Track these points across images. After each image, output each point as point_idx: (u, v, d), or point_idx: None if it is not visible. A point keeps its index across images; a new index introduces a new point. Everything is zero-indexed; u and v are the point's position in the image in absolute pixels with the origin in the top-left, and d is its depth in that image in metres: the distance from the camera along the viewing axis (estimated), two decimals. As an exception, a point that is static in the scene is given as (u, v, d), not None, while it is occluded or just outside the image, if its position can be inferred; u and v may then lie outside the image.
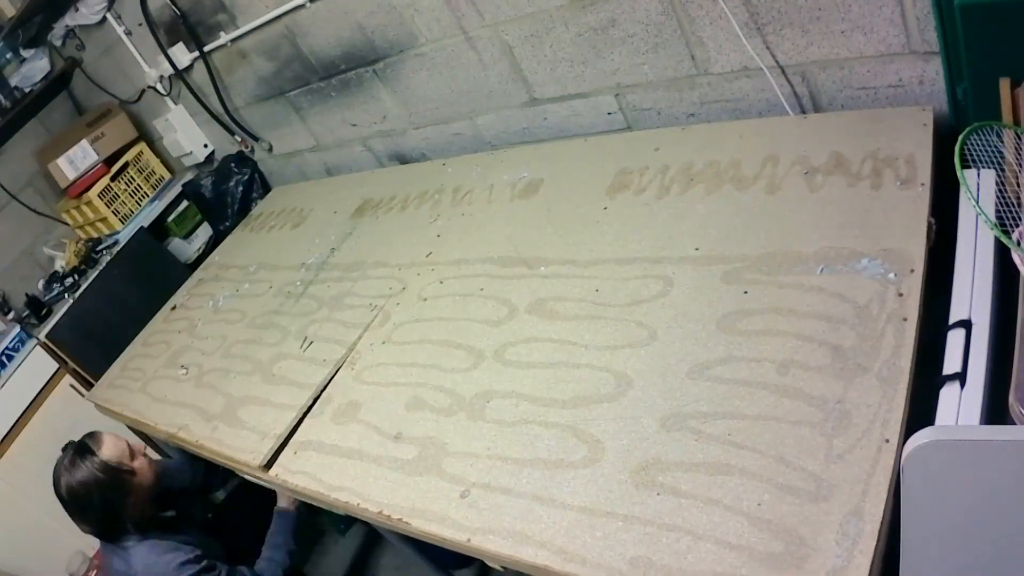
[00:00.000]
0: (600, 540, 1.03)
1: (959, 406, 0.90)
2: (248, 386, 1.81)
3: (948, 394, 0.92)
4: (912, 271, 1.08)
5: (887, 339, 1.03)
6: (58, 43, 3.02)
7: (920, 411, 0.96)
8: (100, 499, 1.64)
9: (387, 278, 1.87)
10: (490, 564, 1.21)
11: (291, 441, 1.57)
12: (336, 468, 1.43)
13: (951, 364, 0.95)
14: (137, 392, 2.09)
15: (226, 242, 2.68)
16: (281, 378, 1.77)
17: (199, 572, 1.68)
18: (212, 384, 1.91)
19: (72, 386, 2.68)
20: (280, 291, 2.14)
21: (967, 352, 0.94)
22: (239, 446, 1.63)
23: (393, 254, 1.95)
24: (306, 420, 1.59)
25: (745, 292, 1.23)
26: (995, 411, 0.89)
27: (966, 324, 0.97)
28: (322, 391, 1.64)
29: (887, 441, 0.93)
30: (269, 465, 1.55)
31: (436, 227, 1.93)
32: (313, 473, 1.45)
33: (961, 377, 0.92)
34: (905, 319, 1.03)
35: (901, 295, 1.06)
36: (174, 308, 2.45)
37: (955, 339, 0.97)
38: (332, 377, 1.66)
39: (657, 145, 1.70)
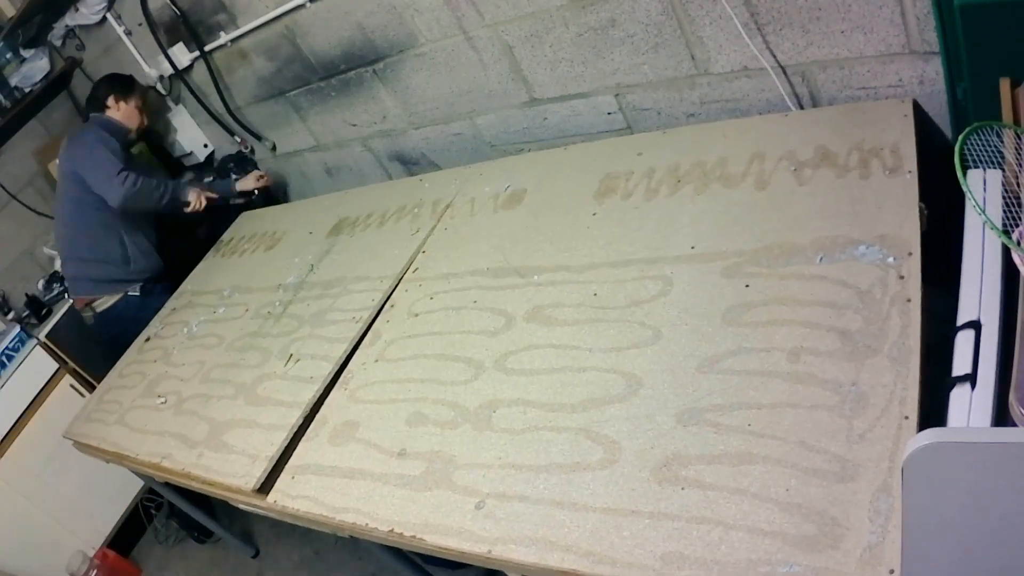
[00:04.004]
0: (628, 539, 1.02)
1: (970, 408, 0.90)
2: (232, 409, 1.75)
3: (958, 396, 0.92)
4: (910, 254, 1.12)
5: (893, 320, 1.05)
6: (58, 43, 3.00)
7: (927, 411, 0.96)
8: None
9: (370, 291, 1.84)
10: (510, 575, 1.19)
11: (287, 466, 1.51)
12: (339, 489, 1.38)
13: (961, 366, 0.95)
14: (114, 424, 1.99)
15: (197, 269, 2.60)
16: (267, 399, 1.71)
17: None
18: (193, 411, 1.84)
19: (72, 386, 2.68)
20: (258, 313, 2.08)
21: (977, 353, 0.94)
22: (229, 471, 1.57)
23: (375, 268, 1.92)
24: (301, 443, 1.54)
25: (747, 285, 1.25)
26: (1000, 412, 0.88)
27: (975, 325, 0.97)
28: (312, 409, 1.60)
29: (906, 418, 0.95)
30: (264, 489, 1.49)
31: (418, 240, 1.91)
32: (315, 496, 1.40)
33: (972, 379, 0.92)
34: (909, 300, 1.06)
35: (902, 277, 1.09)
36: (148, 340, 2.36)
37: (964, 340, 0.97)
38: (323, 396, 1.62)
39: (640, 149, 1.72)
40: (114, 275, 2.54)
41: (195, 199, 2.54)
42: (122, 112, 2.57)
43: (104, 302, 2.58)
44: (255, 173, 2.81)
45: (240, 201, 2.83)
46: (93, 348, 2.71)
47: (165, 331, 2.33)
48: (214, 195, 2.64)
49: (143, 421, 1.94)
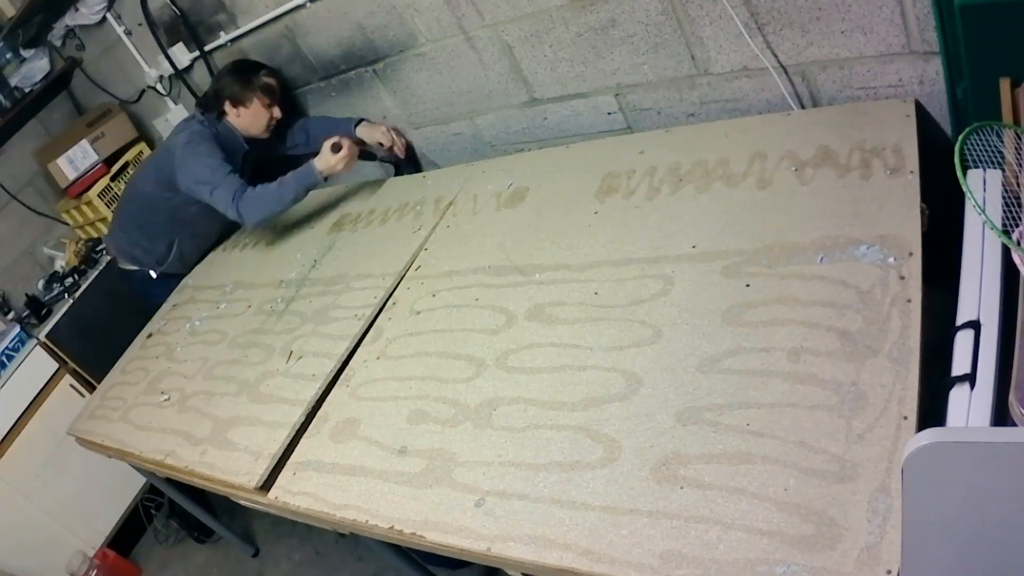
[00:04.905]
0: (627, 538, 1.02)
1: (969, 407, 0.90)
2: (235, 407, 1.76)
3: (958, 396, 0.92)
4: (911, 254, 1.12)
5: (894, 321, 1.05)
6: (58, 43, 3.00)
7: (927, 411, 0.96)
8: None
9: (372, 288, 1.85)
10: (510, 573, 1.20)
11: (288, 462, 1.52)
12: (339, 486, 1.39)
13: (960, 365, 0.95)
14: (118, 421, 2.00)
15: (199, 264, 2.61)
16: (270, 396, 1.72)
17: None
18: (196, 408, 1.85)
19: (72, 386, 2.71)
20: (260, 309, 2.09)
21: (976, 353, 0.94)
22: (232, 469, 1.58)
23: (377, 265, 1.93)
24: (303, 440, 1.55)
25: (747, 285, 1.25)
26: (999, 412, 0.89)
27: (975, 325, 0.97)
28: (315, 407, 1.61)
29: (905, 418, 0.95)
30: (266, 486, 1.50)
31: (420, 238, 1.92)
32: (315, 493, 1.41)
33: (971, 378, 0.92)
34: (909, 300, 1.06)
35: (903, 278, 1.09)
36: (150, 336, 2.37)
37: (964, 340, 0.97)
38: (325, 393, 1.63)
39: (642, 148, 1.72)
40: (142, 259, 2.54)
41: (331, 167, 2.09)
42: (243, 119, 2.25)
43: (124, 264, 2.60)
44: (381, 127, 2.30)
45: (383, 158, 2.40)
46: (93, 348, 2.72)
47: (168, 327, 2.34)
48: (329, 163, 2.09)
49: (147, 418, 1.95)
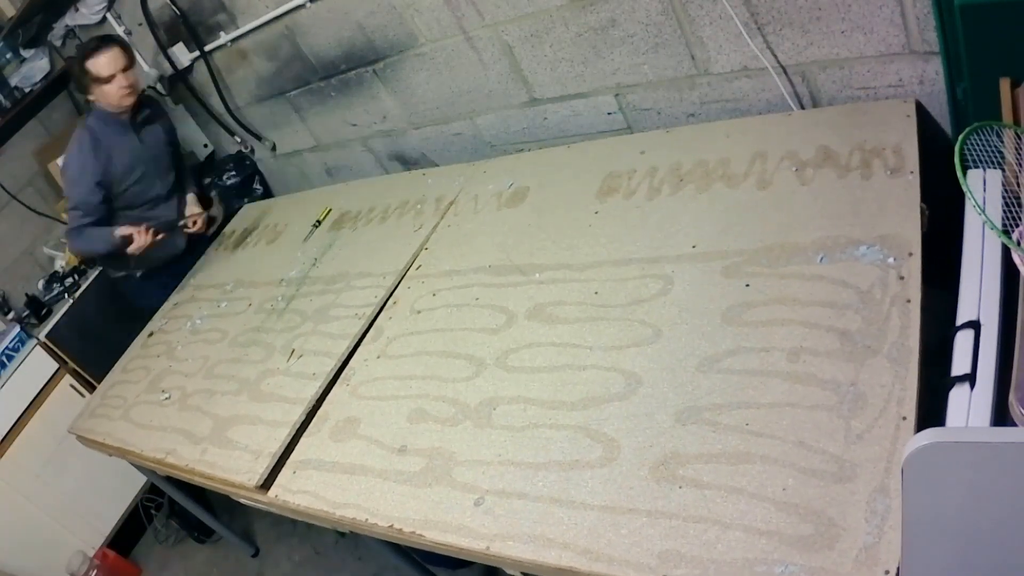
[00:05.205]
0: (625, 537, 1.02)
1: (969, 407, 0.90)
2: (236, 405, 1.76)
3: (958, 395, 0.92)
4: (911, 254, 1.12)
5: (893, 321, 1.05)
6: (58, 43, 3.01)
7: (926, 411, 0.96)
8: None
9: (373, 287, 1.85)
10: (509, 572, 1.20)
11: (288, 460, 1.52)
12: (339, 485, 1.39)
13: (960, 365, 0.95)
14: (119, 420, 2.01)
15: (200, 263, 2.61)
16: (270, 395, 1.72)
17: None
18: (197, 406, 1.85)
19: (72, 386, 2.71)
20: (261, 307, 2.09)
21: (976, 353, 0.94)
22: (232, 467, 1.58)
23: (377, 264, 1.93)
24: (303, 439, 1.55)
25: (747, 285, 1.25)
26: (999, 412, 0.89)
27: (975, 325, 0.97)
28: (315, 406, 1.61)
29: (904, 419, 0.95)
30: (267, 485, 1.50)
31: (421, 237, 1.92)
32: (315, 492, 1.41)
33: (971, 378, 0.92)
34: (909, 300, 1.06)
35: (902, 278, 1.09)
36: (151, 334, 2.37)
37: (963, 340, 0.97)
38: (325, 392, 1.63)
39: (642, 148, 1.72)
40: (113, 262, 2.52)
41: (129, 243, 2.28)
42: (101, 101, 2.25)
43: (111, 272, 2.60)
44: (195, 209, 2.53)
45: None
46: (93, 348, 2.72)
47: (169, 325, 2.35)
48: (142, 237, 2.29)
49: (148, 416, 1.95)
